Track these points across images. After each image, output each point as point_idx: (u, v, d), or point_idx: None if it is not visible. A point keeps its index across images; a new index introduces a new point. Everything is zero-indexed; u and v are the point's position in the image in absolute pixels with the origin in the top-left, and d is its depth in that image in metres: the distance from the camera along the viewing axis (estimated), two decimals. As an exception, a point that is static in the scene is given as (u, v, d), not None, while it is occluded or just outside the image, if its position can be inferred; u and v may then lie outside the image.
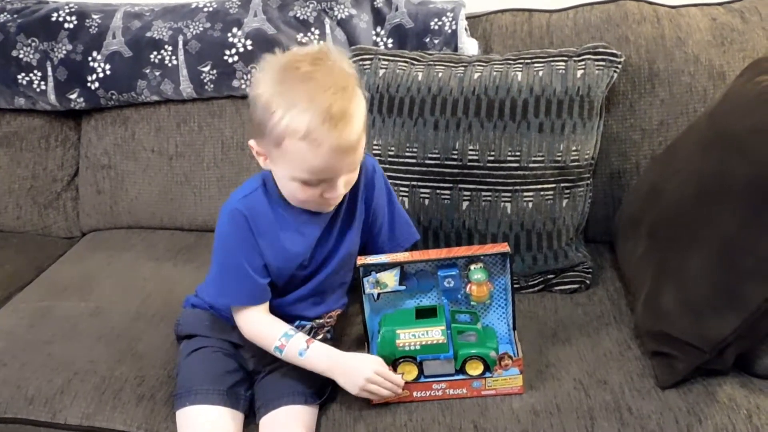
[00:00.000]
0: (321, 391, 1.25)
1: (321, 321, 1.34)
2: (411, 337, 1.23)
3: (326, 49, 1.19)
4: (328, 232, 1.29)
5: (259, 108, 1.16)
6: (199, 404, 1.22)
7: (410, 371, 1.24)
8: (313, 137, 1.11)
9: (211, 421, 1.21)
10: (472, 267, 1.27)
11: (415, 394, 1.24)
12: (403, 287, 1.28)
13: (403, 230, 1.38)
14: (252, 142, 1.22)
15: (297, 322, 1.30)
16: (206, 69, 1.79)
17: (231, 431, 1.21)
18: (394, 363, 1.24)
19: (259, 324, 1.25)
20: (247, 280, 1.23)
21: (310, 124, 1.11)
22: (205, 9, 1.81)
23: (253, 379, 1.30)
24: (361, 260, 1.27)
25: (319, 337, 1.34)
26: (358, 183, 1.28)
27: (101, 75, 1.82)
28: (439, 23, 1.73)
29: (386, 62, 1.62)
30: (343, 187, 1.19)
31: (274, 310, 1.27)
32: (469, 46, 1.72)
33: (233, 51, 1.77)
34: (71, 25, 1.84)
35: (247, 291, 1.24)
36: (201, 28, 1.79)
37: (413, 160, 1.53)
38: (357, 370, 1.20)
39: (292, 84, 1.13)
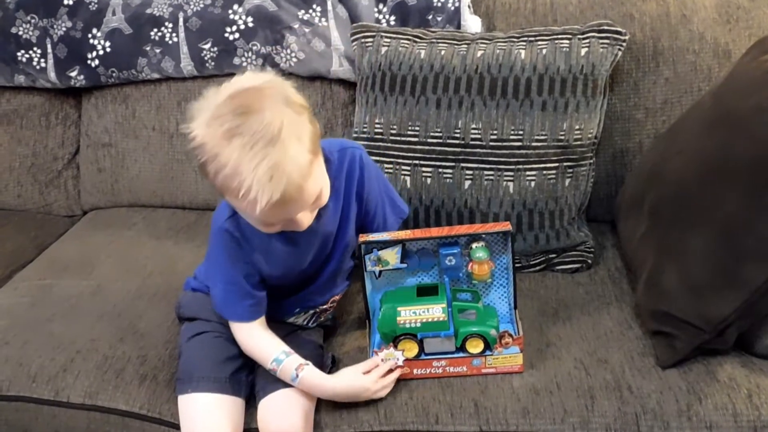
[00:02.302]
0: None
1: (325, 306, 1.34)
2: (412, 314, 1.23)
3: (256, 90, 1.07)
4: (323, 237, 1.26)
5: (196, 150, 1.07)
6: (201, 392, 1.22)
7: (411, 348, 1.24)
8: (249, 198, 1.04)
9: (212, 409, 1.21)
10: (474, 245, 1.27)
11: (415, 371, 1.24)
12: (405, 265, 1.28)
13: (396, 209, 1.37)
14: None
15: (297, 309, 1.31)
16: (207, 46, 1.77)
17: (232, 419, 1.22)
18: (394, 340, 1.24)
19: (255, 343, 1.24)
20: (248, 297, 1.23)
21: (242, 187, 1.03)
22: (206, -15, 1.80)
23: (254, 364, 1.29)
24: (363, 237, 1.27)
25: (321, 319, 1.35)
26: (350, 183, 1.25)
27: (101, 52, 1.81)
28: (442, 0, 1.71)
29: (388, 40, 1.60)
30: (306, 219, 1.13)
31: (282, 303, 1.28)
32: (472, 23, 1.70)
33: (234, 28, 1.75)
34: (71, 2, 1.83)
35: (248, 307, 1.24)
36: (201, 5, 1.77)
37: (415, 139, 1.53)
38: (355, 394, 1.21)
39: (218, 141, 1.04)
